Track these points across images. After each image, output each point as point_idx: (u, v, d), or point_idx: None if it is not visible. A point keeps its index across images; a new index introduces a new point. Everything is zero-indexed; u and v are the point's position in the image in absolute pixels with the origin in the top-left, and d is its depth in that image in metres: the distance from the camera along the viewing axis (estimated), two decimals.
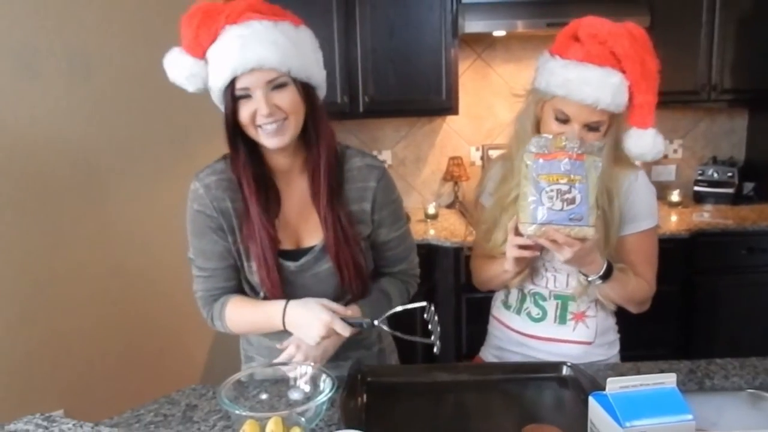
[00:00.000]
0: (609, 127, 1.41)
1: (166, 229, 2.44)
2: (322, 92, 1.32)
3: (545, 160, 1.29)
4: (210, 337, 2.60)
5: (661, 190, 3.39)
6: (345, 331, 1.23)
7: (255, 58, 1.18)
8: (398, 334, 1.30)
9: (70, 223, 2.26)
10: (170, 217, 2.52)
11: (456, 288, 2.76)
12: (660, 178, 3.49)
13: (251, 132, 1.25)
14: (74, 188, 2.26)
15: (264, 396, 1.26)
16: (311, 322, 1.23)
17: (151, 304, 2.43)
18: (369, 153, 1.41)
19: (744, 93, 3.13)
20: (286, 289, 1.32)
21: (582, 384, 1.28)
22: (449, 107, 2.96)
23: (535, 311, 1.54)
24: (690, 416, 0.87)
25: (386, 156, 3.33)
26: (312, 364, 1.25)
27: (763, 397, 1.28)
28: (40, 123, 2.18)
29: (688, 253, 2.86)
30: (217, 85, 1.22)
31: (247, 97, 1.21)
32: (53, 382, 2.25)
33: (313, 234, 1.35)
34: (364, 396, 1.27)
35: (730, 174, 3.28)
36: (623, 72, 1.36)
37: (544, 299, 1.53)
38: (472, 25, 2.80)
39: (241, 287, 1.39)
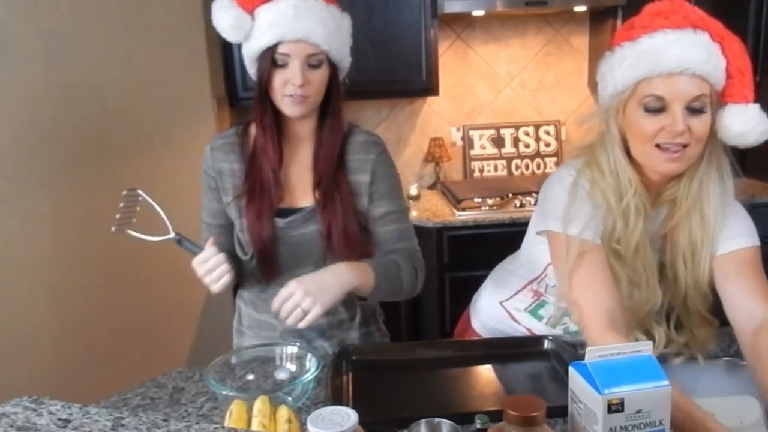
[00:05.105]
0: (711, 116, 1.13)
1: (149, 213, 2.42)
2: (343, 74, 1.45)
3: None
4: (195, 321, 2.59)
5: None
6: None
7: (304, 30, 1.27)
8: (154, 239, 1.40)
9: (48, 210, 2.23)
10: (153, 201, 2.51)
11: (439, 268, 2.78)
12: None
13: (277, 98, 1.33)
14: (51, 174, 2.23)
15: (250, 376, 1.27)
16: None
17: (136, 289, 2.42)
18: (373, 132, 1.51)
19: None
20: (272, 245, 1.39)
21: (563, 356, 1.31)
22: (429, 88, 2.96)
23: (575, 328, 1.42)
24: (666, 382, 0.89)
25: None
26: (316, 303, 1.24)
27: (739, 364, 1.30)
28: (16, 108, 2.14)
29: None
30: (259, 44, 1.29)
31: (284, 65, 1.29)
32: (38, 369, 2.24)
33: (307, 199, 1.42)
34: (350, 374, 1.29)
35: None
36: (708, 32, 1.12)
37: None
38: (451, 5, 2.78)
39: (232, 245, 1.47)
